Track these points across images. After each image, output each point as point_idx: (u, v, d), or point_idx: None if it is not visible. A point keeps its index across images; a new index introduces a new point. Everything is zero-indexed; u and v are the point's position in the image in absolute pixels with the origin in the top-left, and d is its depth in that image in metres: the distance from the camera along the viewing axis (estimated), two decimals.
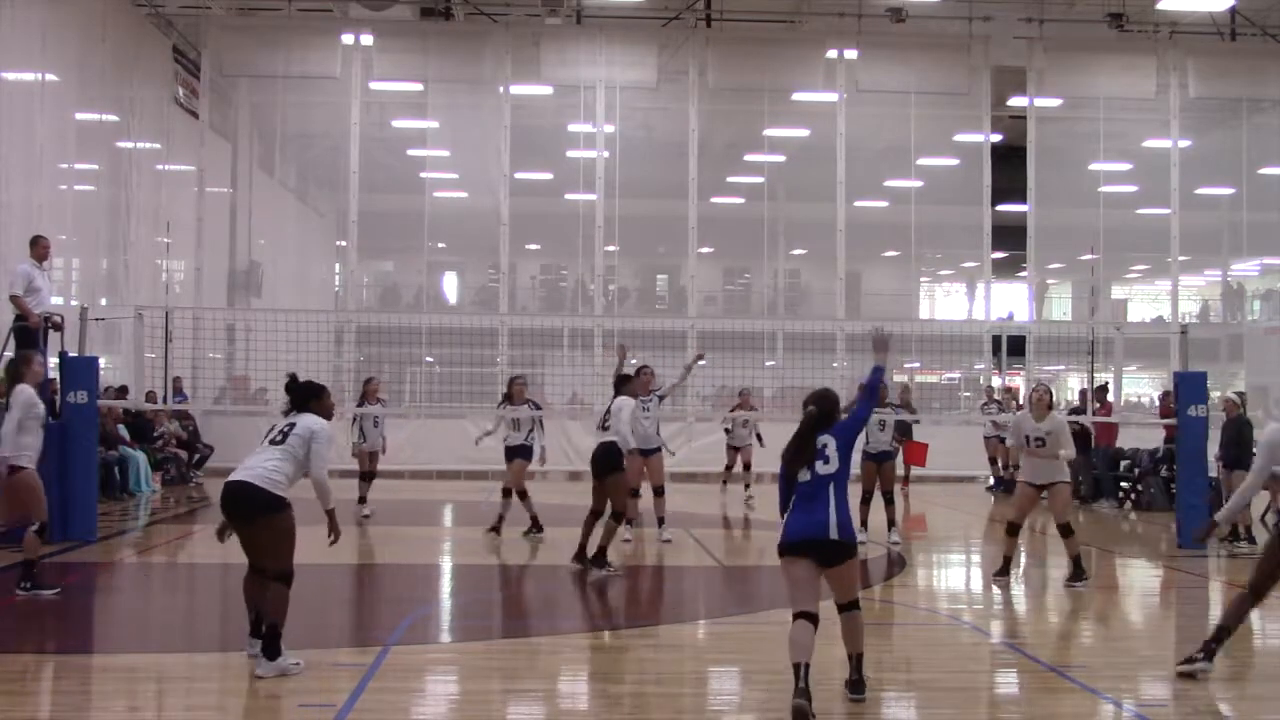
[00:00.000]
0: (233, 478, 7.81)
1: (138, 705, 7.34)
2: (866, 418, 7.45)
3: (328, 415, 8.24)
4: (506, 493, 14.66)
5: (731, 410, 19.40)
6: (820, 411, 7.10)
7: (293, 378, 8.44)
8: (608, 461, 11.84)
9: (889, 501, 14.18)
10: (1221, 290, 31.59)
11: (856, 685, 7.10)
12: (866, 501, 14.31)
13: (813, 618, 6.79)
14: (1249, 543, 14.44)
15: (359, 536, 14.54)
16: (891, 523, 14.17)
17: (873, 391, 7.47)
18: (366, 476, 16.67)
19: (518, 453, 14.64)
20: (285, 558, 7.71)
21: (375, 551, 13.93)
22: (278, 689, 7.38)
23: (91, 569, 12.28)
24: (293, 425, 8.01)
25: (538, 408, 15.15)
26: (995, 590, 11.49)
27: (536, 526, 14.58)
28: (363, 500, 16.40)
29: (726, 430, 19.96)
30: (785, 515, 7.06)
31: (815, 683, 6.69)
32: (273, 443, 7.91)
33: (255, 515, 7.70)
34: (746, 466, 19.43)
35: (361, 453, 16.75)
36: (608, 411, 11.81)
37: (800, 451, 7.02)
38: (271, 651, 7.59)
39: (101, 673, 8.08)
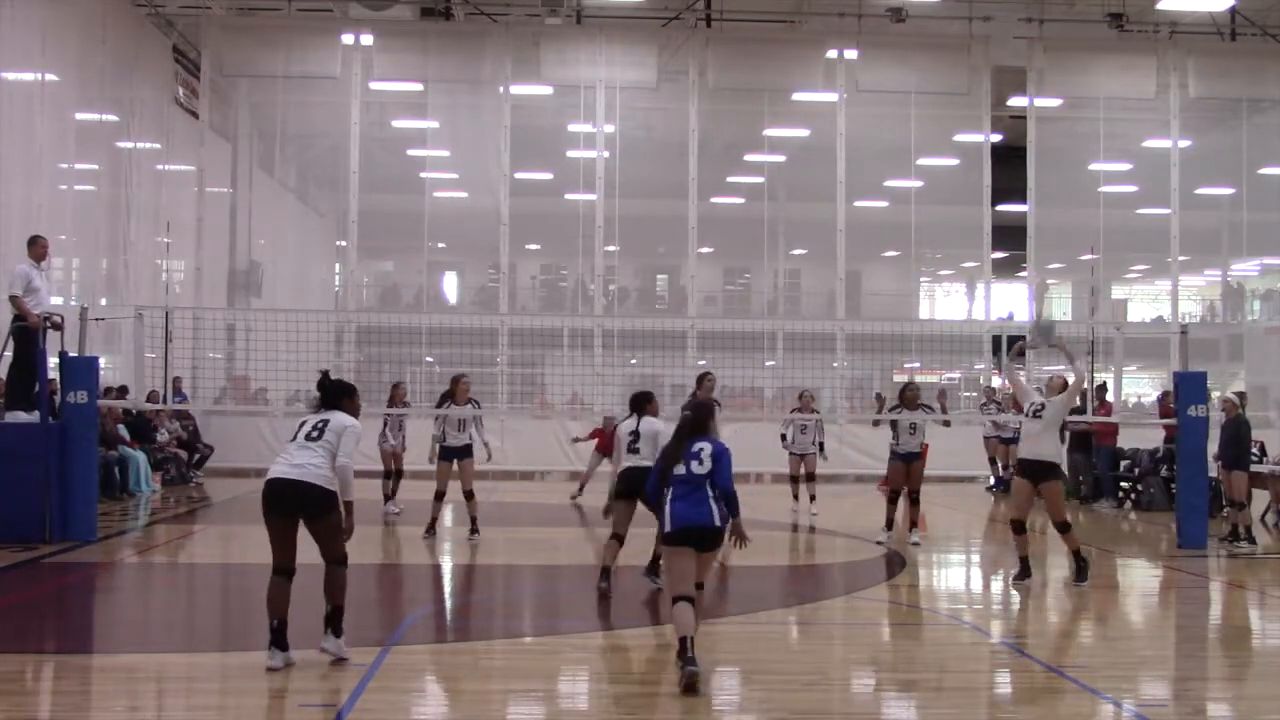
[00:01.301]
0: (282, 476, 7.93)
1: (138, 705, 7.34)
2: (729, 483, 8.01)
3: (356, 413, 8.43)
4: (439, 496, 14.59)
5: (792, 412, 17.91)
6: (695, 419, 8.15)
7: (325, 375, 8.69)
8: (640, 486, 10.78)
9: (914, 502, 14.48)
10: (1221, 290, 31.61)
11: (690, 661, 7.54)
12: (894, 500, 14.55)
13: (692, 599, 7.80)
14: (1249, 543, 14.46)
15: (361, 538, 14.50)
16: (914, 523, 14.42)
17: (728, 498, 7.97)
18: (393, 475, 17.14)
19: (464, 453, 14.56)
20: (341, 545, 8.21)
21: (376, 552, 13.91)
22: (277, 689, 7.38)
23: (91, 569, 12.28)
24: (326, 422, 8.14)
25: (478, 406, 15.20)
26: (1013, 592, 11.39)
27: (475, 529, 14.48)
28: (390, 498, 16.85)
29: (782, 437, 18.13)
30: (667, 505, 7.87)
31: (814, 682, 6.70)
32: (309, 439, 8.04)
33: (317, 513, 7.99)
34: (810, 477, 17.81)
35: (386, 453, 17.11)
36: (636, 434, 11.20)
37: (676, 451, 8.01)
38: (338, 629, 8.10)
39: (101, 673, 8.08)
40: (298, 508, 7.94)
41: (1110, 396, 18.11)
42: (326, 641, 8.03)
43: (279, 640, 7.81)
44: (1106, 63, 26.38)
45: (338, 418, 8.20)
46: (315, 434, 8.06)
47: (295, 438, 8.12)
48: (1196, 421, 14.79)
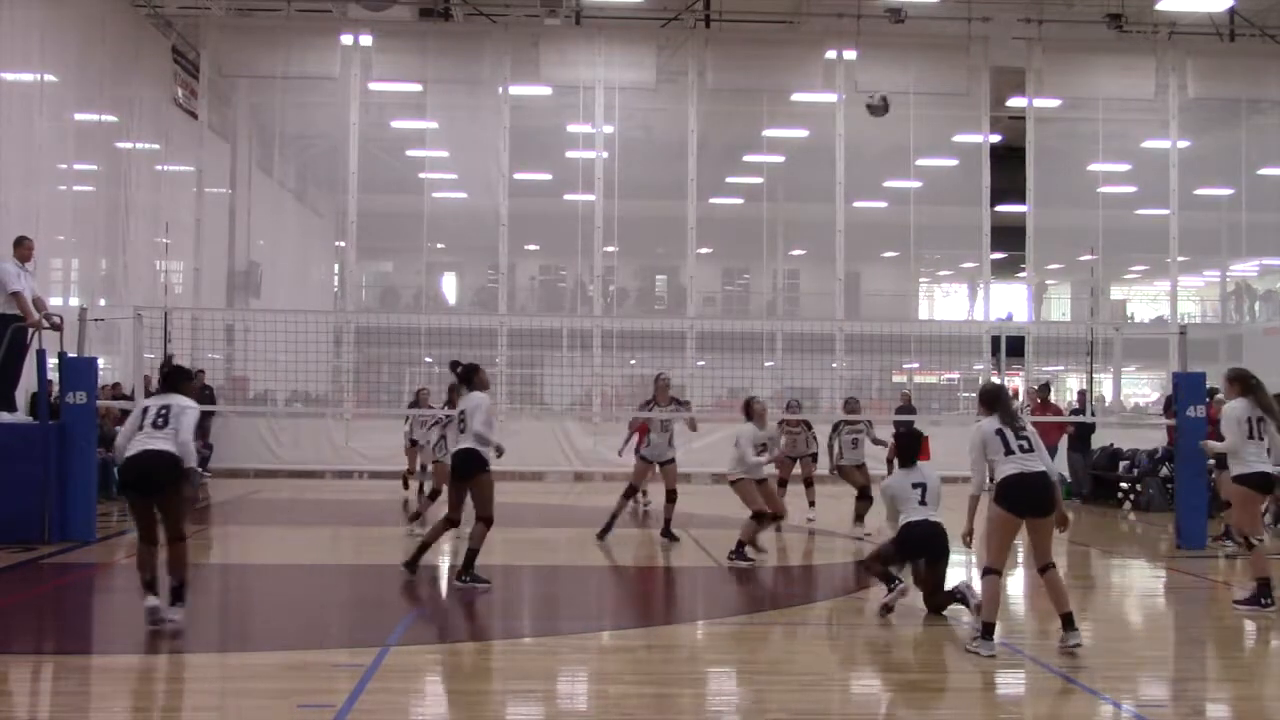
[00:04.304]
0: (141, 449, 8.93)
1: (137, 705, 7.32)
2: None
3: (195, 396, 9.70)
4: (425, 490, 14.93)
5: (780, 423, 16.57)
6: None
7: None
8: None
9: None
10: (1220, 291, 31.62)
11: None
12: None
13: None
14: (1234, 542, 14.36)
15: (362, 538, 14.52)
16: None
17: None
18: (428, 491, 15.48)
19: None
20: (183, 523, 9.22)
21: (375, 552, 13.91)
22: (277, 689, 7.37)
23: (90, 569, 12.27)
24: (168, 407, 9.12)
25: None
26: (1014, 592, 11.38)
27: (420, 520, 14.65)
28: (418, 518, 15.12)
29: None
30: None
31: (814, 682, 6.68)
32: (155, 425, 8.99)
33: (169, 481, 8.96)
34: (809, 483, 17.10)
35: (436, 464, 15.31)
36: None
37: None
38: (184, 599, 9.08)
39: (101, 673, 8.07)
40: (151, 482, 8.93)
41: (1053, 397, 18.07)
42: (173, 612, 8.89)
43: (151, 588, 8.89)
44: (1105, 63, 26.41)
45: (178, 401, 9.14)
46: (161, 420, 9.02)
47: (142, 426, 9.04)
48: (1196, 422, 14.78)
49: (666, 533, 14.41)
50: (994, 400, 8.73)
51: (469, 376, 11.15)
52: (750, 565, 12.58)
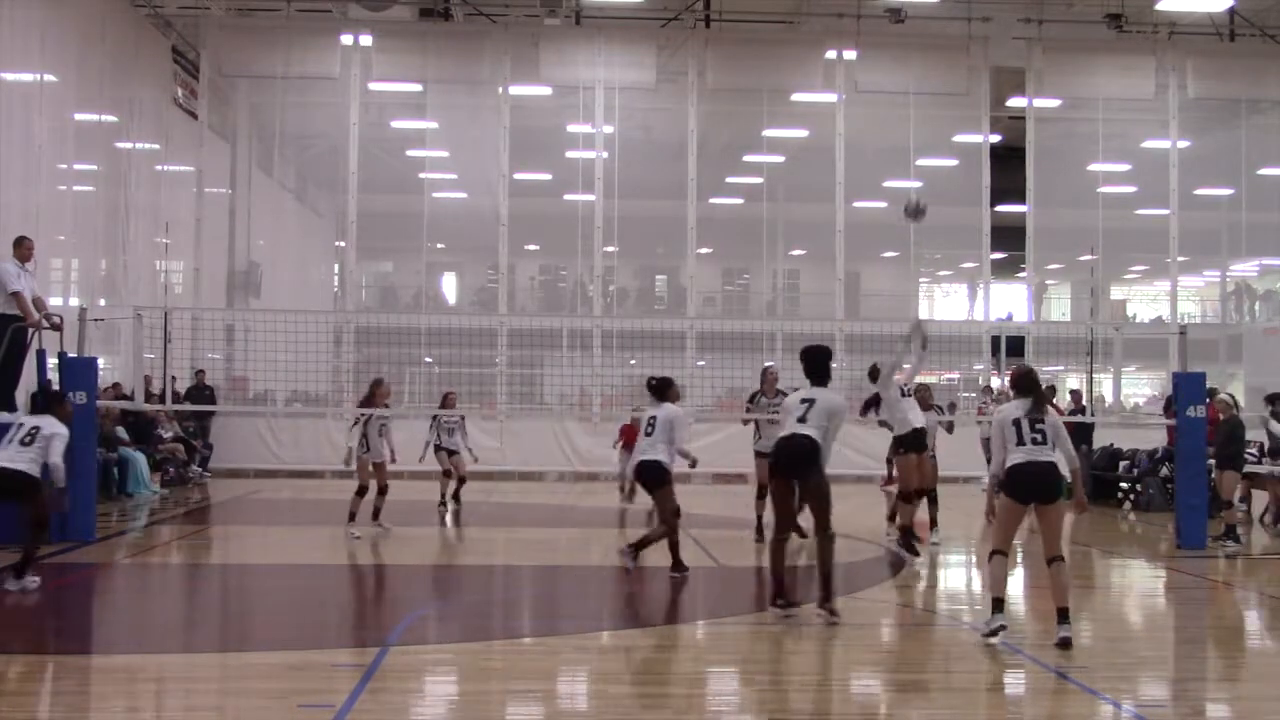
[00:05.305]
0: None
1: (137, 705, 7.33)
2: None
3: (67, 419, 10.78)
4: (382, 491, 14.84)
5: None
6: None
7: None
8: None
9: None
10: (1220, 291, 31.63)
11: None
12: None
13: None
14: (1234, 542, 14.39)
15: (362, 539, 14.52)
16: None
17: None
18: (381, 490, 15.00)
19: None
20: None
21: (374, 552, 13.92)
22: (277, 689, 7.37)
23: (90, 569, 12.27)
24: (38, 429, 10.36)
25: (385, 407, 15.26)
26: (1013, 593, 11.38)
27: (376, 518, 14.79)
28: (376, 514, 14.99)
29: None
30: None
31: (814, 682, 6.69)
32: (23, 443, 10.27)
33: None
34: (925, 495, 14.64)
35: (364, 463, 14.82)
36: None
37: None
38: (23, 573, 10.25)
39: (101, 673, 8.07)
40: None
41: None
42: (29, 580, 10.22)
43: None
44: (1105, 63, 26.40)
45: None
46: (28, 439, 10.32)
47: (11, 440, 10.34)
48: (1196, 422, 14.79)
49: (797, 530, 14.18)
50: (1025, 386, 8.90)
51: (663, 389, 11.56)
52: (916, 555, 12.63)
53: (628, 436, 18.71)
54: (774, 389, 14.57)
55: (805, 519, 14.40)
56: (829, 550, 9.33)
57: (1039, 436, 8.65)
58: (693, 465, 11.96)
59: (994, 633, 8.62)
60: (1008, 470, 8.73)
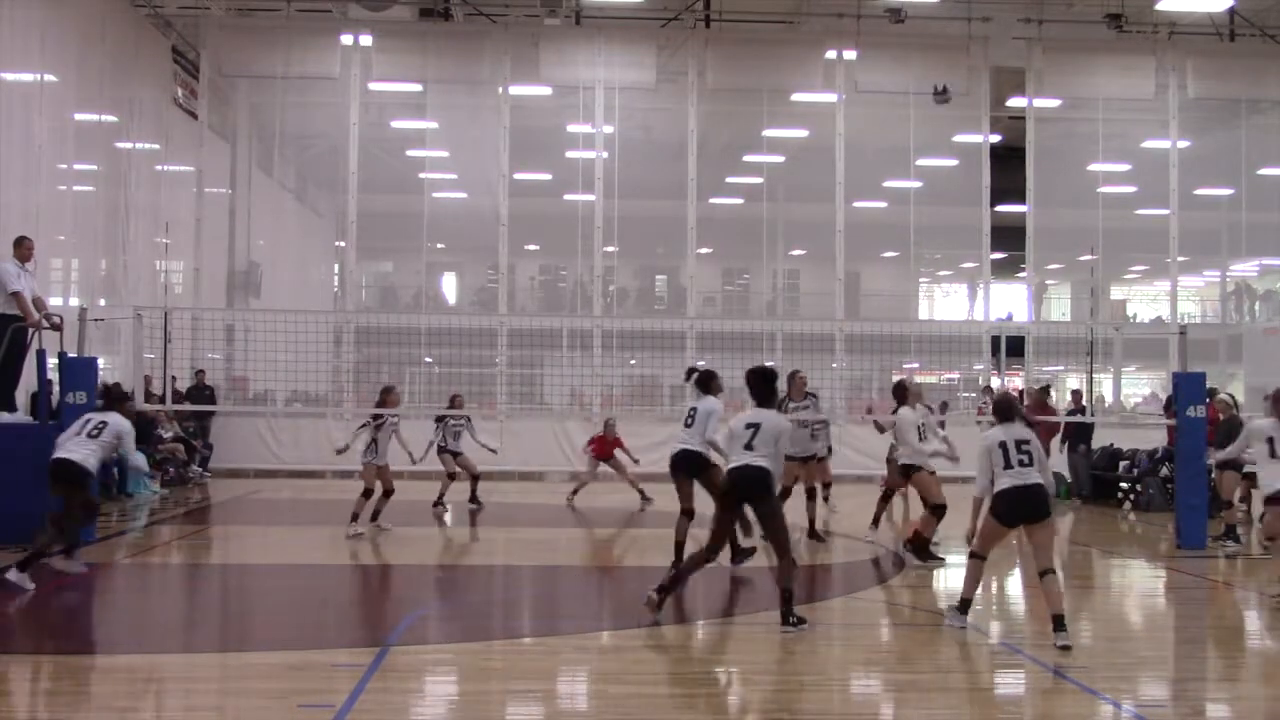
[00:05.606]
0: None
1: (137, 706, 7.33)
2: None
3: (131, 417, 11.51)
4: (387, 494, 14.89)
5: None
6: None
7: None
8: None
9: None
10: (1221, 291, 31.62)
11: None
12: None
13: None
14: (1234, 542, 14.40)
15: (363, 539, 14.51)
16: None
17: None
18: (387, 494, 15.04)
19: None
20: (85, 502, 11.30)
21: (374, 552, 13.92)
22: (277, 689, 7.38)
23: (91, 569, 12.25)
24: (105, 423, 10.95)
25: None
26: (994, 589, 11.43)
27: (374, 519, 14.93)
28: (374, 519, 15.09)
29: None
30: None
31: (814, 682, 6.68)
32: (90, 435, 10.82)
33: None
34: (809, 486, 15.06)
35: (370, 466, 14.92)
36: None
37: None
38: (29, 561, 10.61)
39: (101, 673, 8.07)
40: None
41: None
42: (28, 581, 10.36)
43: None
44: (1105, 63, 26.39)
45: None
46: (95, 432, 10.85)
47: (79, 433, 10.88)
48: (1196, 422, 14.79)
49: (813, 533, 14.34)
50: (1005, 411, 9.32)
51: (706, 382, 11.57)
52: (940, 564, 12.48)
53: (598, 448, 18.79)
54: (802, 392, 14.67)
55: (815, 520, 14.67)
56: (789, 571, 9.27)
57: (1025, 458, 8.93)
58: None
59: (955, 625, 9.22)
60: (996, 495, 8.98)
